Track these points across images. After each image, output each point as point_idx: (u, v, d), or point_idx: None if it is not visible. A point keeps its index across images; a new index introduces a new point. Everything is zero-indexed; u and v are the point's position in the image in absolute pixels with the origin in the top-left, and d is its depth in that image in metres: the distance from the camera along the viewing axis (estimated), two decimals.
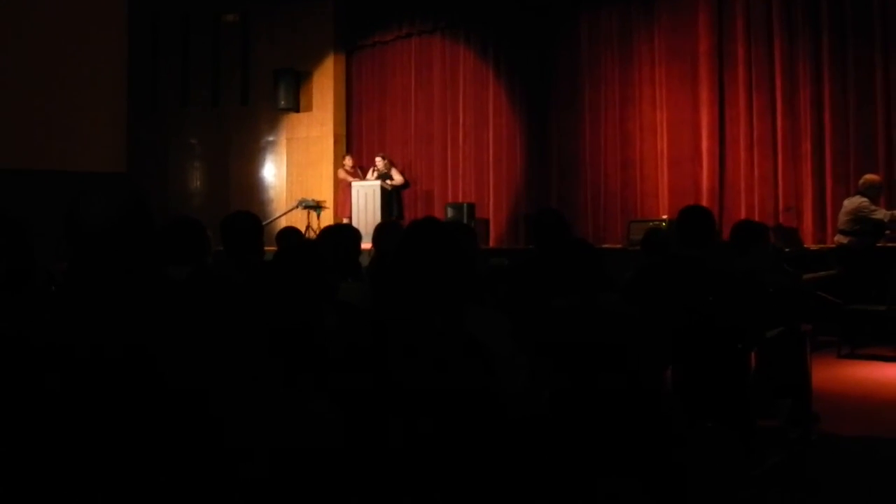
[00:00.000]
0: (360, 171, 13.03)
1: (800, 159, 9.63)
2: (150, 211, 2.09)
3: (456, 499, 2.09)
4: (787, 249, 8.59)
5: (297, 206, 12.66)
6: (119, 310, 1.92)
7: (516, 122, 12.13)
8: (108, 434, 1.81)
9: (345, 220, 12.29)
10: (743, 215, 9.56)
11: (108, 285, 1.96)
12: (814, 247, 9.15)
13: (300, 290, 2.81)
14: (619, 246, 10.23)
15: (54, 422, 1.82)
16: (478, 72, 12.57)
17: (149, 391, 1.84)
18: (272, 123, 14.32)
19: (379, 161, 12.62)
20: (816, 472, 4.33)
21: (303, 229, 10.82)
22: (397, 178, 12.57)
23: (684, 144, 10.45)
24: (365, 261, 4.93)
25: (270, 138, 14.41)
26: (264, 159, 14.49)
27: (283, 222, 12.75)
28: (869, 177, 8.22)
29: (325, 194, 13.42)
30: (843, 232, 8.10)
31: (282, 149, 14.35)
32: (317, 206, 12.54)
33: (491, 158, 12.34)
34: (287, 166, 14.29)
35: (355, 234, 4.60)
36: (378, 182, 12.27)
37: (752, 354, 4.12)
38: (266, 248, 4.31)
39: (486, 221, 12.12)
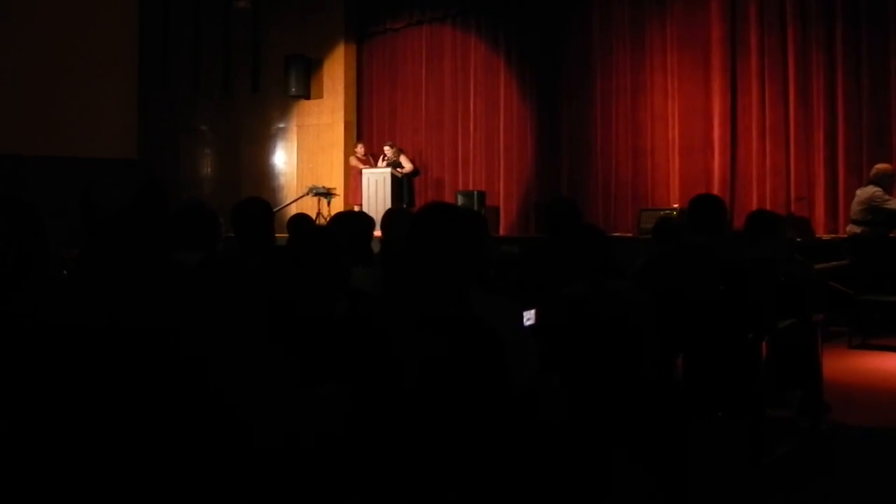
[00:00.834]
0: (372, 159, 13.03)
1: (812, 149, 9.58)
2: (167, 196, 2.09)
3: (464, 484, 2.09)
4: (798, 239, 8.56)
5: (307, 193, 12.68)
6: (131, 293, 1.93)
7: (527, 110, 12.10)
8: (118, 415, 1.82)
9: (356, 208, 12.30)
10: (754, 205, 9.52)
11: (120, 269, 1.97)
12: (826, 237, 9.11)
13: (317, 274, 2.81)
14: (629, 234, 10.21)
15: (64, 404, 1.83)
16: (489, 59, 12.54)
17: (160, 373, 1.84)
18: (283, 110, 14.32)
19: (388, 149, 12.60)
20: (827, 463, 4.32)
21: (313, 216, 10.83)
22: (407, 165, 12.56)
23: (696, 133, 10.41)
24: (376, 248, 4.93)
25: (281, 125, 14.41)
26: (275, 146, 14.50)
27: (293, 209, 12.77)
28: (881, 166, 8.16)
29: (336, 181, 13.43)
30: (855, 222, 8.05)
31: (292, 136, 14.35)
32: (327, 194, 12.55)
33: (502, 146, 12.31)
34: (298, 153, 14.30)
35: (368, 221, 4.60)
36: (388, 169, 12.26)
37: (764, 344, 4.12)
38: (277, 234, 4.32)
39: (497, 209, 12.11)
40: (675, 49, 10.63)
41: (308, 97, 13.98)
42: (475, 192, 11.80)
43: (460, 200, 11.53)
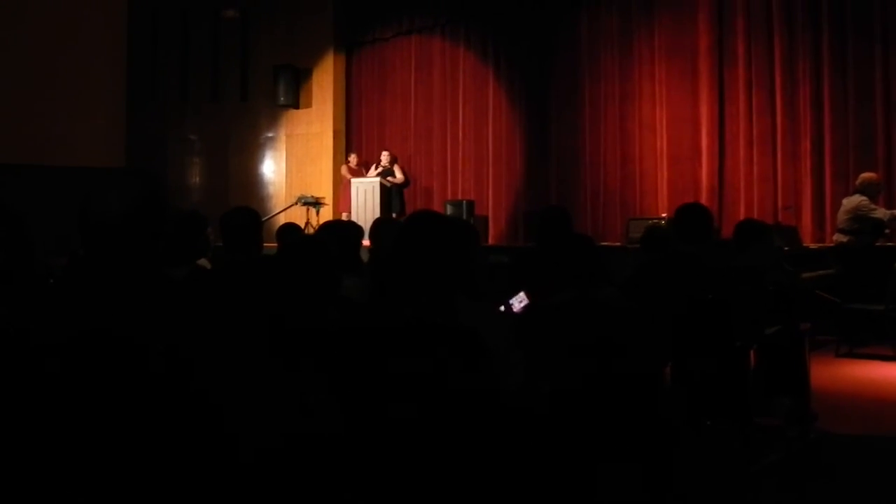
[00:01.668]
0: (364, 169, 13.03)
1: (799, 157, 9.63)
2: (166, 207, 2.09)
3: (452, 490, 2.09)
4: (785, 248, 8.59)
5: (296, 203, 12.66)
6: (120, 303, 1.92)
7: (516, 119, 12.13)
8: (105, 424, 1.81)
9: (344, 216, 12.29)
10: (742, 213, 9.57)
11: (112, 279, 1.96)
12: (813, 245, 9.15)
13: (306, 283, 2.81)
14: (618, 243, 10.22)
15: (51, 410, 1.82)
16: (477, 68, 12.57)
17: (147, 382, 1.84)
18: (272, 119, 14.31)
19: (385, 156, 12.65)
20: (814, 471, 4.33)
21: (302, 226, 10.81)
22: (399, 176, 12.59)
23: (684, 142, 10.45)
24: (365, 257, 4.92)
25: (270, 134, 14.40)
26: (263, 155, 14.48)
27: (282, 218, 12.75)
28: (867, 175, 8.20)
29: (325, 191, 13.42)
30: (842, 231, 8.08)
31: (281, 145, 14.34)
32: (316, 203, 12.54)
33: (490, 155, 12.33)
34: (286, 162, 14.29)
35: (356, 230, 4.60)
36: (377, 179, 12.26)
37: (751, 353, 4.13)
38: (265, 244, 4.31)
39: (486, 218, 12.11)
40: (663, 58, 10.68)
41: (297, 106, 13.98)
42: (464, 202, 11.81)
43: (449, 209, 11.53)
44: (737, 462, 4.03)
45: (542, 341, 2.90)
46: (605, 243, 10.29)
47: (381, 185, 12.15)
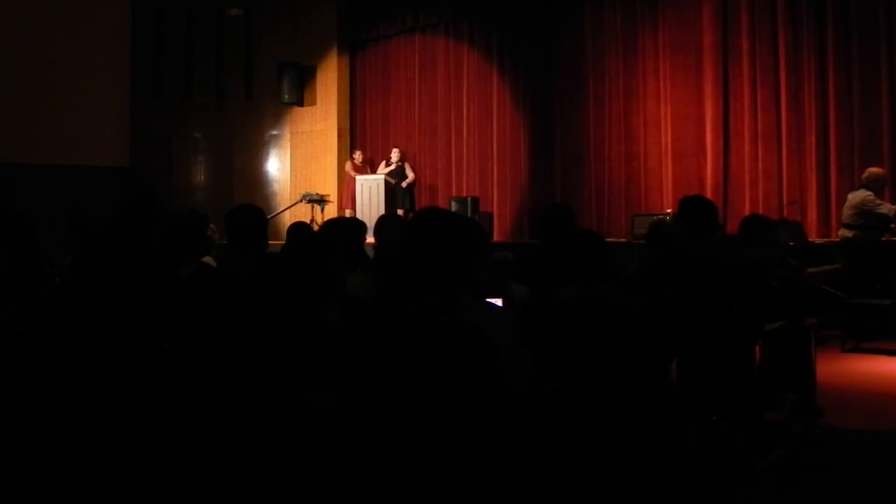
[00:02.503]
0: (370, 167, 13.04)
1: (804, 153, 9.62)
2: (157, 204, 2.09)
3: (457, 487, 2.09)
4: (791, 243, 8.57)
5: (300, 200, 12.68)
6: (123, 301, 1.93)
7: (520, 116, 12.12)
8: (110, 423, 1.81)
9: (347, 213, 12.30)
10: (747, 209, 9.55)
11: (113, 277, 1.96)
12: (818, 241, 9.13)
13: (311, 279, 2.82)
14: (622, 240, 10.21)
15: (57, 410, 1.82)
16: (482, 66, 12.56)
17: (152, 381, 1.84)
18: (276, 117, 14.32)
19: (395, 153, 12.65)
20: (820, 466, 4.33)
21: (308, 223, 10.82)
22: (410, 174, 12.64)
23: (688, 138, 10.44)
24: (370, 254, 4.93)
25: (274, 132, 14.41)
26: (268, 153, 14.49)
27: (286, 216, 12.77)
28: (873, 170, 8.18)
29: (329, 188, 13.43)
30: (847, 226, 8.07)
31: (286, 143, 14.35)
32: (321, 200, 12.55)
33: (495, 152, 12.33)
34: (291, 160, 14.30)
35: (360, 227, 4.60)
36: (382, 176, 12.27)
37: (757, 348, 4.12)
38: (271, 241, 4.32)
39: (490, 215, 12.13)
40: (668, 54, 10.67)
41: (301, 104, 13.99)
42: (468, 198, 11.82)
43: (454, 206, 11.54)
44: (742, 458, 4.03)
45: (547, 338, 2.90)
46: (610, 239, 10.26)
47: (386, 183, 12.16)
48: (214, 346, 1.95)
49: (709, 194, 9.83)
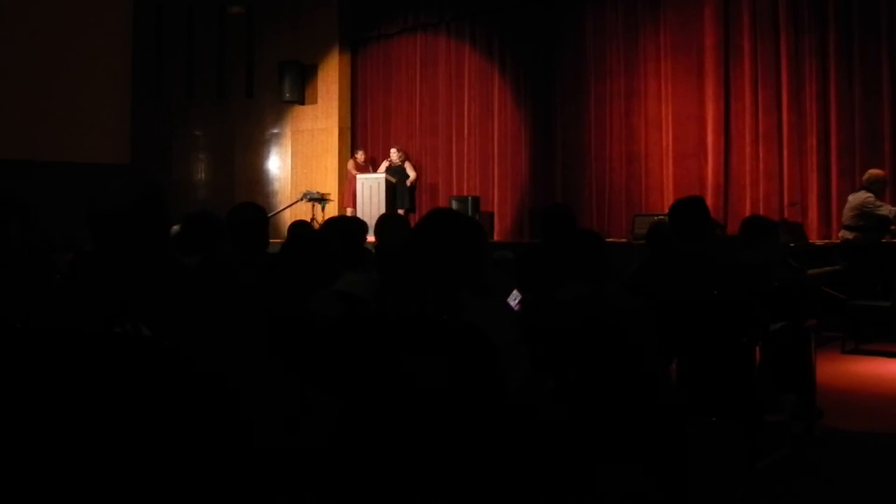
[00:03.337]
0: (372, 167, 13.04)
1: (805, 154, 9.61)
2: (165, 201, 2.11)
3: (456, 485, 2.09)
4: (792, 244, 8.57)
5: (301, 199, 12.67)
6: (136, 292, 1.94)
7: (521, 116, 12.12)
8: (109, 420, 1.82)
9: (348, 211, 12.31)
10: (748, 210, 9.55)
11: (124, 269, 1.97)
12: (819, 242, 9.13)
13: (304, 276, 2.82)
14: (623, 240, 10.21)
15: (61, 409, 1.83)
16: (483, 65, 12.56)
17: (156, 376, 1.84)
18: (277, 116, 14.32)
19: (394, 153, 12.63)
20: (820, 468, 4.33)
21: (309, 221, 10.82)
22: (412, 173, 12.61)
23: (689, 139, 10.44)
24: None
25: (275, 130, 14.41)
26: (269, 152, 14.49)
27: (287, 214, 12.77)
28: (873, 172, 8.19)
29: (330, 187, 13.43)
30: (847, 227, 8.07)
31: (286, 141, 14.35)
32: (321, 199, 12.55)
33: (496, 152, 12.33)
34: (292, 158, 14.30)
35: (360, 226, 4.60)
36: (383, 175, 12.27)
37: (757, 349, 4.12)
38: (271, 240, 4.32)
39: (491, 214, 12.13)
40: (669, 55, 10.66)
41: (302, 102, 13.98)
42: (469, 198, 11.82)
43: (454, 205, 11.54)
44: (742, 459, 4.03)
45: (547, 337, 2.90)
46: (611, 240, 10.27)
47: (387, 182, 12.16)
48: (216, 344, 1.96)
49: (710, 195, 9.86)
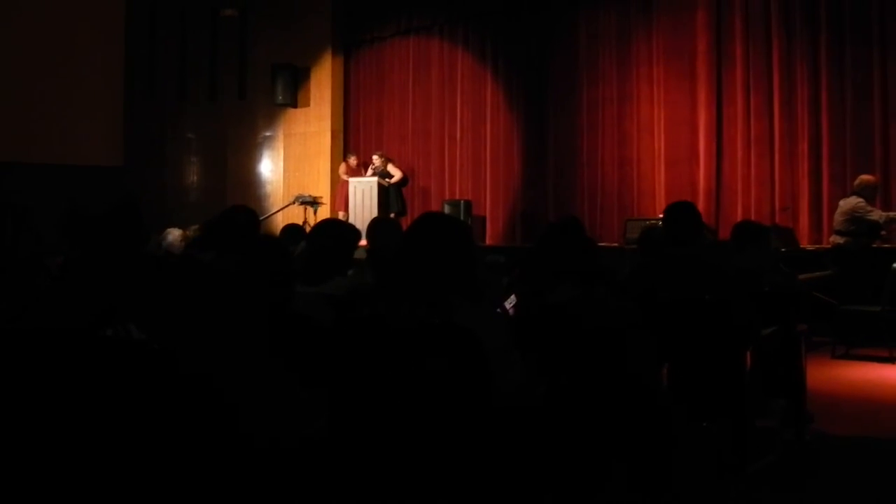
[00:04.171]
0: (364, 170, 13.04)
1: (797, 159, 9.65)
2: (137, 205, 2.13)
3: (446, 488, 2.10)
4: (783, 249, 8.60)
5: (294, 202, 12.66)
6: (119, 294, 1.94)
7: (514, 120, 12.13)
8: (101, 422, 1.81)
9: (340, 214, 12.29)
10: (740, 215, 9.58)
11: (109, 272, 1.98)
12: (810, 247, 9.17)
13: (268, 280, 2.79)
14: (615, 244, 10.23)
15: (51, 411, 1.82)
16: (476, 69, 12.57)
17: (146, 376, 1.84)
18: (270, 118, 14.31)
19: (376, 158, 12.60)
20: (810, 472, 4.34)
21: (301, 224, 10.80)
22: (396, 174, 12.56)
23: (681, 143, 10.46)
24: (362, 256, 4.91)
25: (268, 133, 14.40)
26: (261, 154, 14.48)
27: (280, 217, 12.76)
28: (864, 177, 8.23)
29: (323, 190, 13.42)
30: (838, 232, 8.11)
31: (279, 144, 14.34)
32: (314, 202, 12.53)
33: (488, 156, 12.34)
34: (284, 161, 14.29)
35: (352, 232, 4.56)
36: (375, 178, 12.26)
37: (748, 354, 4.13)
38: None
39: (483, 218, 12.13)
40: (661, 60, 10.69)
41: (295, 105, 13.97)
42: (462, 201, 11.83)
43: (447, 209, 11.54)
44: (733, 464, 4.04)
45: (538, 340, 2.90)
46: (603, 244, 10.28)
47: (379, 185, 12.16)
48: (206, 343, 1.96)
49: (701, 200, 9.89)
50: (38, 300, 2.08)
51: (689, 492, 3.57)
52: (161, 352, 1.85)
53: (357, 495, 2.10)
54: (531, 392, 2.48)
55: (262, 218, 7.02)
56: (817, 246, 9.10)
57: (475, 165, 12.48)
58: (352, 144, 13.85)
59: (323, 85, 13.90)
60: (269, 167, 14.45)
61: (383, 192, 12.20)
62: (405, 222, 10.60)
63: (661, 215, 9.89)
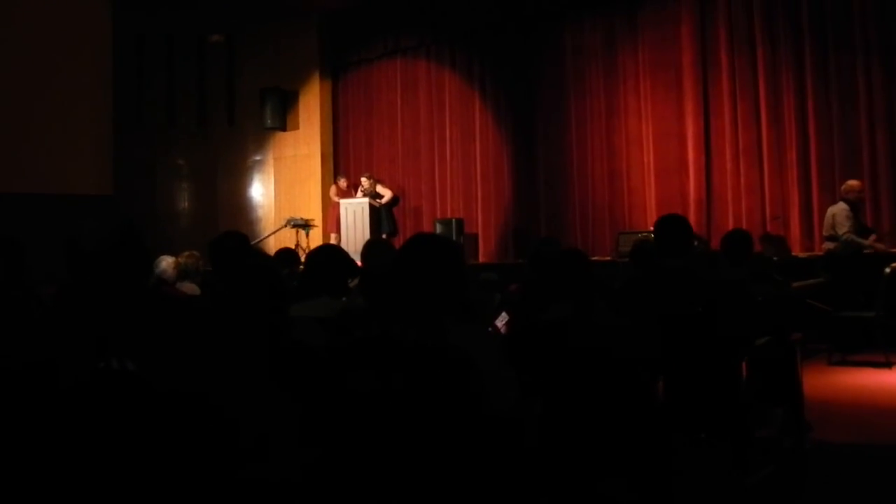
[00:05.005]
0: (354, 191, 13.04)
1: (785, 168, 9.69)
2: (140, 235, 2.12)
3: None
4: (775, 258, 8.62)
5: (285, 225, 12.65)
6: (116, 326, 1.93)
7: (503, 137, 12.16)
8: (100, 454, 1.80)
9: (332, 236, 12.28)
10: (730, 225, 9.59)
11: (106, 303, 1.97)
12: (802, 254, 9.19)
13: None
14: (607, 258, 10.24)
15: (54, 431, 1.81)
16: (463, 87, 12.61)
17: (142, 409, 1.83)
18: (259, 143, 14.32)
19: (364, 181, 12.60)
20: (810, 481, 4.32)
21: (293, 248, 10.78)
22: (386, 194, 12.56)
23: (670, 155, 10.50)
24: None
25: (258, 157, 14.40)
26: (252, 179, 14.48)
27: (272, 241, 12.74)
28: (850, 182, 8.35)
29: (314, 212, 13.41)
30: (829, 238, 8.19)
31: (269, 168, 14.34)
32: (305, 225, 12.52)
33: (478, 173, 12.36)
34: (275, 185, 14.29)
35: (346, 259, 4.53)
36: (367, 199, 12.26)
37: (743, 364, 4.13)
38: None
39: (475, 236, 12.13)
40: (648, 73, 10.75)
41: (284, 129, 13.98)
42: (453, 220, 11.82)
43: (438, 228, 11.54)
44: (732, 475, 4.03)
45: (534, 358, 2.89)
46: (595, 258, 10.30)
47: (371, 206, 12.15)
48: (204, 374, 1.95)
49: (692, 211, 9.92)
50: (32, 332, 2.07)
51: None
52: (155, 385, 1.84)
53: None
54: (527, 411, 2.47)
55: (254, 242, 6.99)
56: (809, 253, 9.13)
57: (466, 183, 12.49)
58: (342, 166, 13.86)
59: (311, 108, 13.92)
60: (260, 191, 14.45)
61: (375, 212, 12.19)
62: (397, 242, 10.59)
63: (652, 228, 9.96)
